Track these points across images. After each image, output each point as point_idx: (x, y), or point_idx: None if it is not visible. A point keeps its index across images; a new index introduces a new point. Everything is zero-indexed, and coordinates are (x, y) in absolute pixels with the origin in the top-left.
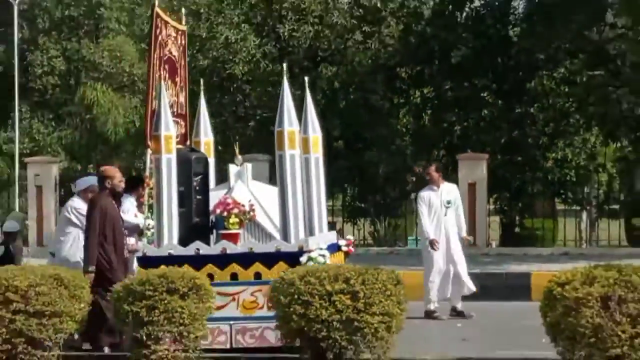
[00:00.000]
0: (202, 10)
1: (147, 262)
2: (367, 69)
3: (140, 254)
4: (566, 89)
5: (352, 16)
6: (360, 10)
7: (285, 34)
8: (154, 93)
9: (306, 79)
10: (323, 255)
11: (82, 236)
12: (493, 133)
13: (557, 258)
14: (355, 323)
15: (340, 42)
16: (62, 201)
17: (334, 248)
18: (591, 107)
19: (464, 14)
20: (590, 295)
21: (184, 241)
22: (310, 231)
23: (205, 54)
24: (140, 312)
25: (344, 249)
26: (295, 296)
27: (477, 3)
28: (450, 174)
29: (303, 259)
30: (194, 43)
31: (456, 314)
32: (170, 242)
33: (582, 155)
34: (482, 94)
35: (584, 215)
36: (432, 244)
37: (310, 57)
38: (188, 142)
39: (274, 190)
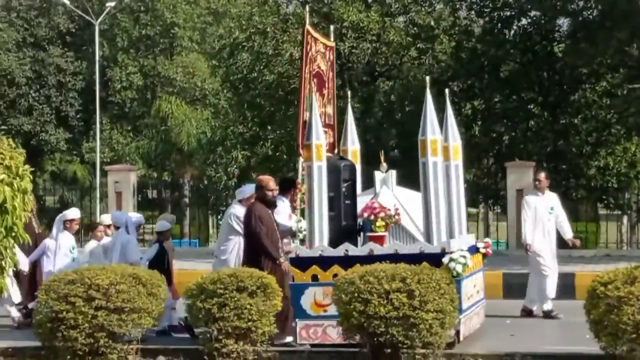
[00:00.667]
0: (268, 29)
1: (299, 262)
2: (422, 83)
3: (293, 254)
4: (608, 101)
5: (407, 34)
6: (415, 28)
7: (346, 50)
8: (305, 105)
9: (446, 91)
10: (464, 257)
11: (242, 242)
12: (539, 142)
13: (599, 259)
14: (411, 319)
15: (396, 58)
16: (140, 206)
17: (473, 250)
18: (631, 118)
19: (512, 32)
20: (632, 294)
21: (333, 243)
22: (451, 234)
23: (272, 70)
24: (212, 309)
25: (482, 250)
26: (356, 294)
27: (524, 21)
28: (500, 181)
29: (445, 259)
30: (261, 60)
31: (543, 314)
32: (321, 243)
33: (623, 163)
34: (528, 106)
35: (625, 219)
36: (526, 247)
37: (369, 72)
38: (336, 151)
39: (417, 195)
